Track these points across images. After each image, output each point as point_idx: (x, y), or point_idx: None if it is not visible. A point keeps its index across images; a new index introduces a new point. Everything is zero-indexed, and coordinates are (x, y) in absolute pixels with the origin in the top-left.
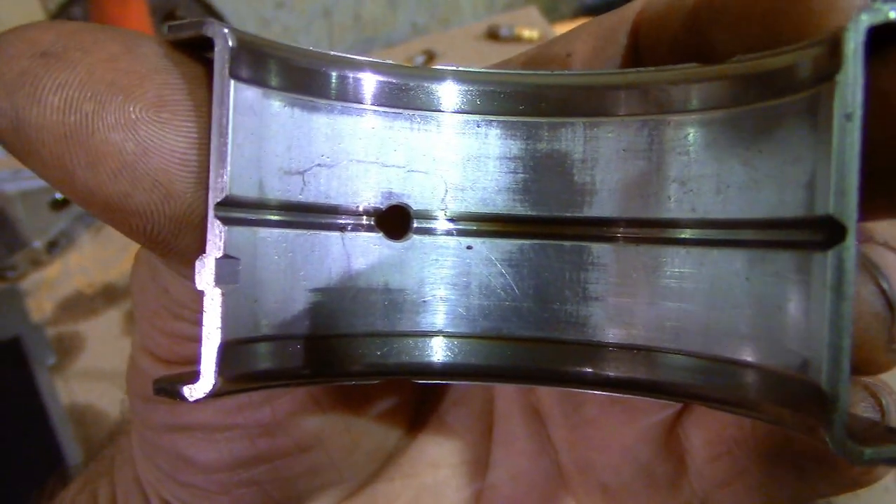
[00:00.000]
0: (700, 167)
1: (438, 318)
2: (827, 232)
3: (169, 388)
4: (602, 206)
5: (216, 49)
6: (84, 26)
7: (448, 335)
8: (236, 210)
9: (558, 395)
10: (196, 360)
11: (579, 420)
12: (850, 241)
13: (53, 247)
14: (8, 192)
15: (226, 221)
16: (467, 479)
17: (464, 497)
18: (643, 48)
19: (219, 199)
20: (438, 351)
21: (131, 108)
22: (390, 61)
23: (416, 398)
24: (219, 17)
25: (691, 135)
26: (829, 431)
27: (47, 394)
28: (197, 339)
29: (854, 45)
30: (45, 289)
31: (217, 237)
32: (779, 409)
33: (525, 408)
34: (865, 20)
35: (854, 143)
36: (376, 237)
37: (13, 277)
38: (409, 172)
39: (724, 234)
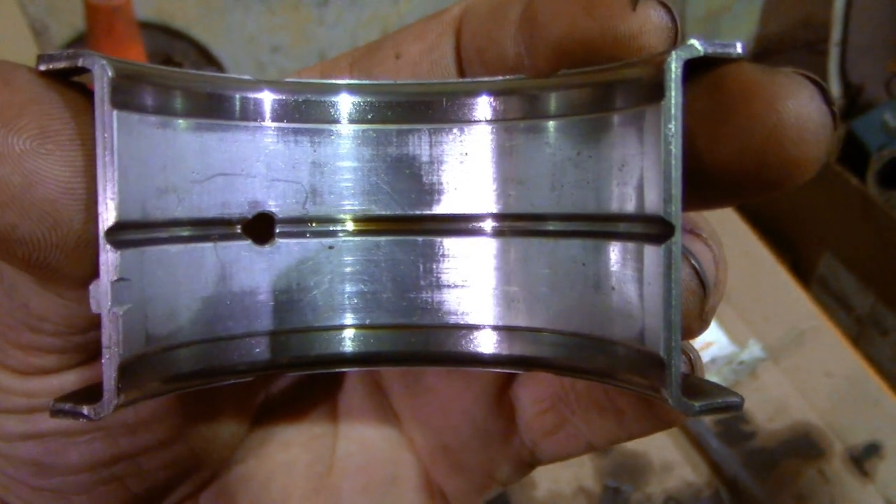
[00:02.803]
0: (536, 168)
1: (308, 314)
2: (657, 227)
3: (70, 410)
4: (449, 203)
5: (96, 80)
6: None
7: (317, 329)
8: (123, 233)
9: (398, 369)
10: (56, 369)
11: (420, 389)
12: (677, 237)
13: None
14: None
15: (115, 245)
16: (318, 454)
17: (316, 470)
18: (469, 54)
19: (108, 226)
20: (309, 344)
21: (14, 141)
22: (248, 77)
23: (267, 385)
24: (216, 63)
25: (525, 141)
26: (668, 391)
27: None
28: (56, 351)
29: (674, 76)
30: None
31: (109, 262)
32: (630, 375)
33: (367, 383)
34: (682, 55)
35: (677, 158)
36: (245, 245)
37: None
38: (272, 182)
39: (561, 225)
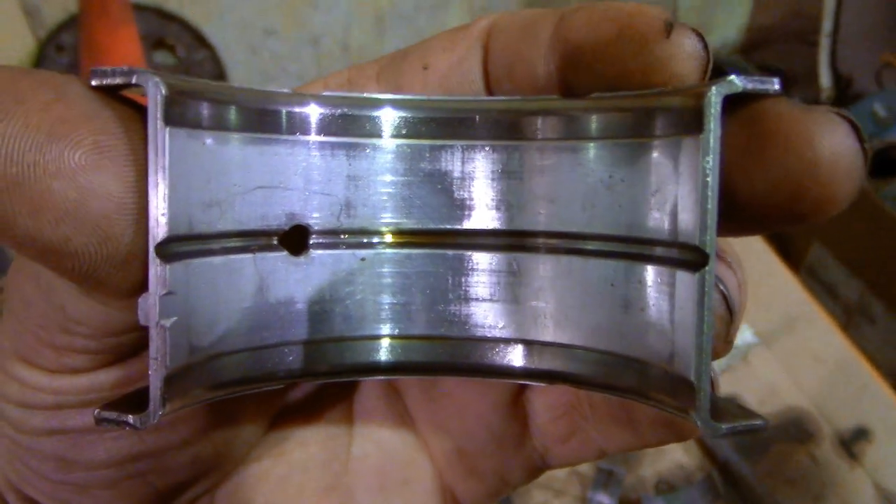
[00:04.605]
0: (568, 188)
1: (341, 324)
2: (690, 254)
3: (116, 419)
4: (480, 219)
5: (149, 98)
6: (9, 73)
7: (349, 339)
8: (171, 247)
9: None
10: (87, 369)
11: (436, 393)
12: (712, 266)
13: None
14: None
15: (164, 259)
16: (334, 453)
17: (331, 470)
18: (497, 70)
19: (158, 241)
20: (342, 353)
21: (70, 156)
22: (287, 90)
23: (289, 389)
24: (208, 46)
25: (557, 161)
26: (697, 414)
27: None
28: (90, 352)
29: (714, 111)
30: None
31: (158, 276)
32: (657, 395)
33: (384, 386)
34: (722, 91)
35: (714, 190)
36: (282, 256)
37: None
38: (309, 194)
39: (592, 245)
